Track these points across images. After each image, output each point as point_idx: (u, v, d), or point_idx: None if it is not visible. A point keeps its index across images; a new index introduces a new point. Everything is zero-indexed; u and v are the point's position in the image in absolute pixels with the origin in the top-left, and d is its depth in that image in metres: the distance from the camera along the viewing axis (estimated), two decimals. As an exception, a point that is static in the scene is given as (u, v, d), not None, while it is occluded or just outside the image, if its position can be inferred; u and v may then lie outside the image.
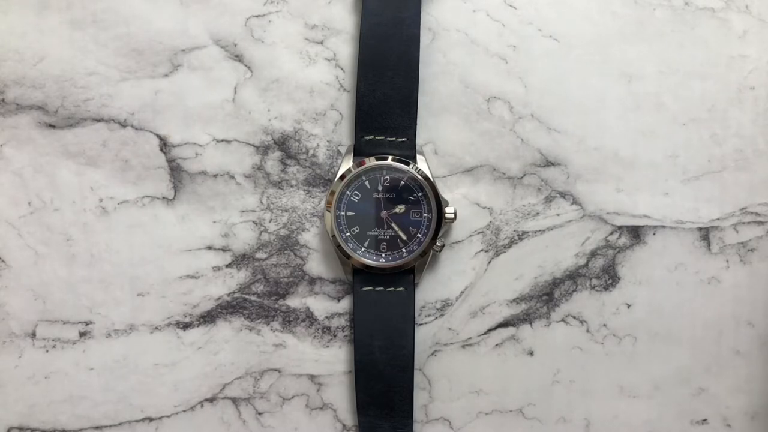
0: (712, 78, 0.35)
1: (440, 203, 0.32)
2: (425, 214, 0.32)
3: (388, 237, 0.32)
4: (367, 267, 0.32)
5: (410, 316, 0.33)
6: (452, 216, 0.32)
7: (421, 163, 0.32)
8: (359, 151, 0.32)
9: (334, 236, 0.32)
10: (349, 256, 0.32)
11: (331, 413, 0.35)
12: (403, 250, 0.32)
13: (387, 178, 0.32)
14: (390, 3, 0.32)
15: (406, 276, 0.33)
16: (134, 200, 0.34)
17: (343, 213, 0.32)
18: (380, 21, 0.32)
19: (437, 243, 0.32)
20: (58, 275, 0.34)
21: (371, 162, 0.32)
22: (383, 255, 0.32)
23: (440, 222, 0.32)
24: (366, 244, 0.32)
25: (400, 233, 0.32)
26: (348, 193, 0.32)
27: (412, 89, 0.32)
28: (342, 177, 0.32)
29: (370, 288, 0.33)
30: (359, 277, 0.33)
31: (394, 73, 0.32)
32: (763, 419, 0.36)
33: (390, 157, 0.32)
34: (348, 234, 0.32)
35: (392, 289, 0.33)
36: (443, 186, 0.34)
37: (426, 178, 0.32)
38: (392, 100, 0.32)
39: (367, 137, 0.32)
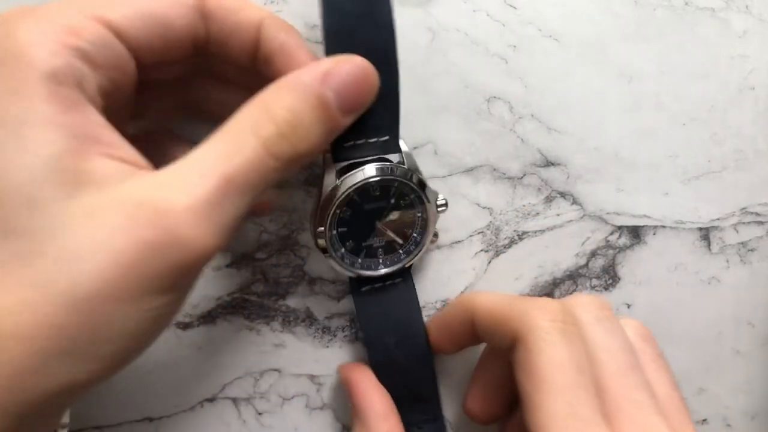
0: (712, 78, 0.35)
1: (429, 198, 0.30)
2: (418, 214, 0.31)
3: (384, 243, 0.31)
4: (368, 278, 0.31)
5: (415, 304, 0.32)
6: (444, 206, 0.31)
7: (406, 156, 0.30)
8: (339, 159, 0.29)
9: (326, 253, 0.30)
10: (347, 269, 0.31)
11: (331, 413, 0.35)
12: (400, 251, 0.31)
13: (377, 188, 0.30)
14: None
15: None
16: (134, 200, 0.34)
17: (334, 232, 0.30)
18: (345, 10, 0.27)
19: (433, 235, 0.32)
20: (58, 275, 0.34)
21: (355, 177, 0.29)
22: (381, 260, 0.31)
23: (434, 215, 0.31)
24: (362, 255, 0.31)
25: (396, 238, 0.31)
26: (337, 212, 0.29)
27: (394, 84, 0.28)
28: (329, 197, 0.29)
29: (370, 287, 0.32)
30: (357, 278, 0.32)
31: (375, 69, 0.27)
32: (763, 419, 0.36)
33: (372, 166, 0.29)
34: (342, 251, 0.30)
35: (390, 282, 0.32)
36: (443, 185, 0.34)
37: (413, 178, 0.30)
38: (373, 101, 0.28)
39: (347, 144, 0.28)
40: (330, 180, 0.29)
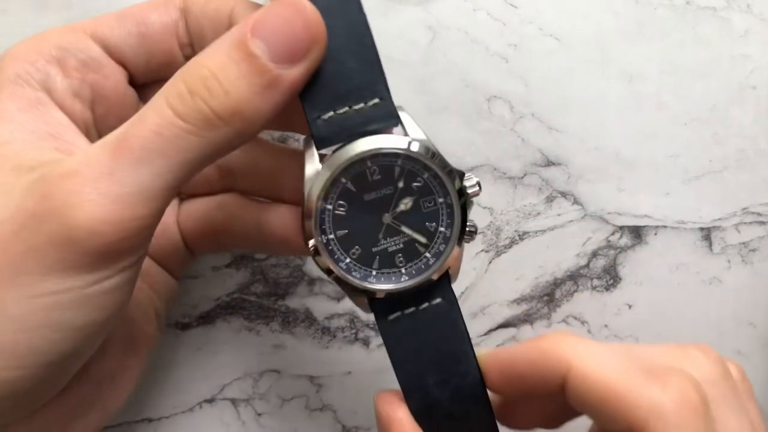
0: (714, 77, 0.35)
1: (455, 177, 0.23)
2: (440, 199, 0.23)
3: (401, 245, 0.24)
4: (389, 294, 0.24)
5: (461, 331, 0.24)
6: (476, 188, 0.24)
7: (411, 128, 0.23)
8: (321, 139, 0.23)
9: (330, 270, 0.23)
10: (359, 289, 0.24)
11: (330, 414, 0.34)
12: (427, 255, 0.24)
13: (375, 170, 0.23)
14: None
15: (440, 282, 0.24)
16: (133, 200, 0.34)
17: (331, 236, 0.23)
18: None
19: (469, 228, 0.24)
20: (57, 275, 0.34)
21: (339, 156, 0.22)
22: (403, 270, 0.24)
23: (464, 202, 0.23)
24: (376, 265, 0.24)
25: (416, 236, 0.24)
26: (329, 207, 0.23)
27: (360, 25, 0.22)
28: (312, 192, 0.23)
29: (399, 313, 0.24)
30: (380, 303, 0.24)
31: (331, 15, 0.21)
32: (763, 419, 0.36)
33: (364, 140, 0.22)
34: (348, 261, 0.23)
35: (427, 304, 0.24)
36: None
37: (427, 150, 0.23)
38: (342, 51, 0.22)
39: (325, 115, 0.22)
40: (311, 168, 0.23)
